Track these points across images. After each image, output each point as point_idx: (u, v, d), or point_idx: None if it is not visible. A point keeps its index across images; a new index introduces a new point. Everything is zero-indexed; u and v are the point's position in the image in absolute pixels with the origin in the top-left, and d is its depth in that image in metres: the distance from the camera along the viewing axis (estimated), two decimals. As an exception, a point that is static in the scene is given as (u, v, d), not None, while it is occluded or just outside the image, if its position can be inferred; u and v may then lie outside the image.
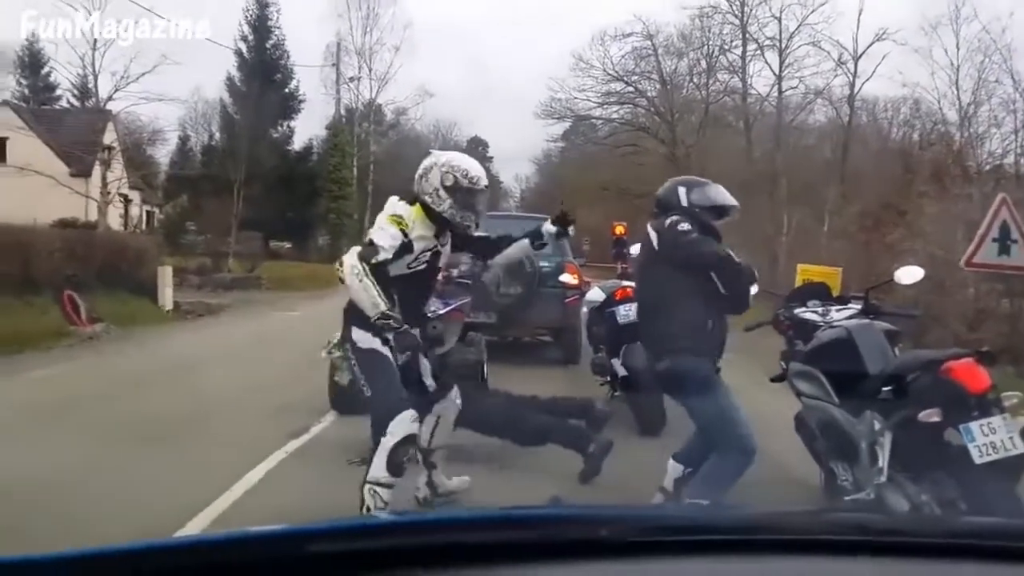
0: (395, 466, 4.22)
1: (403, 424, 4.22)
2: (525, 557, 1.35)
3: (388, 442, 4.22)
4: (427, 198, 4.48)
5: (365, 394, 4.38)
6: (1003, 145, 15.43)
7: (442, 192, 4.47)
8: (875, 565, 1.39)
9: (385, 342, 4.31)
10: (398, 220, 4.39)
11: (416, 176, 4.61)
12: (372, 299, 4.22)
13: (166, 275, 17.12)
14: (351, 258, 4.30)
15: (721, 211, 4.60)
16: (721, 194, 4.63)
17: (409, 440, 4.27)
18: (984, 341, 9.18)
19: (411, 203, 4.48)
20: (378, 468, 4.24)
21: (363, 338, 4.35)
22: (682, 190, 4.58)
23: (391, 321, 4.24)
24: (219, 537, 1.81)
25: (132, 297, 15.64)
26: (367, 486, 4.24)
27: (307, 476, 5.59)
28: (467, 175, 4.52)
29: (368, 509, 4.19)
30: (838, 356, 4.46)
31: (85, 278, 14.48)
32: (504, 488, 5.21)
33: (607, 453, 5.56)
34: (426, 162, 4.61)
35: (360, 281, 4.23)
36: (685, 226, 4.34)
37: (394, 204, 4.48)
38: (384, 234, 4.35)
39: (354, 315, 4.36)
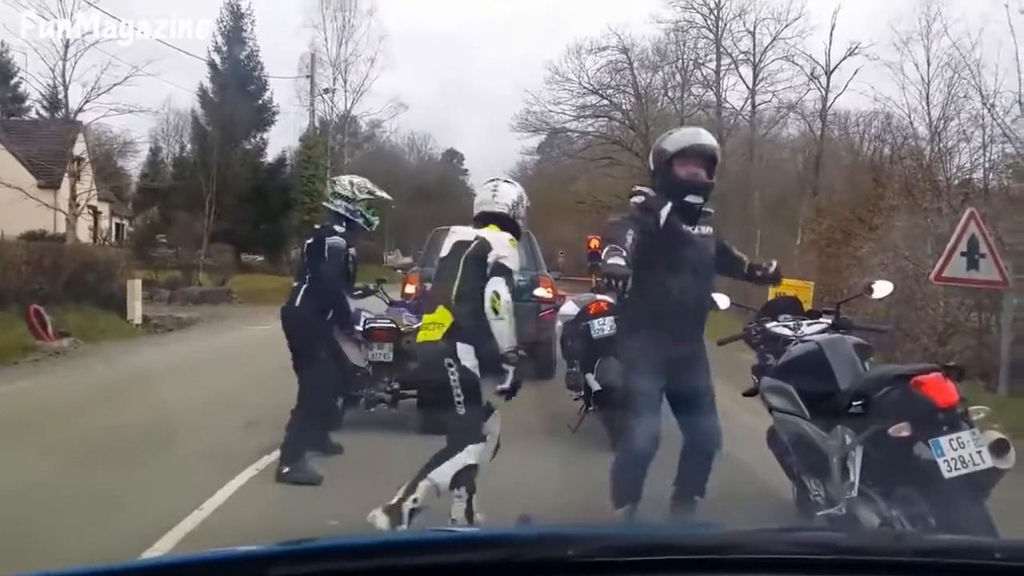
0: (457, 481, 4.49)
1: (479, 453, 4.54)
2: (492, 577, 1.33)
3: (462, 459, 4.50)
4: (521, 222, 4.91)
5: (457, 410, 4.55)
6: (972, 159, 15.66)
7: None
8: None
9: (481, 369, 4.56)
10: (514, 243, 4.74)
11: (511, 202, 4.89)
12: (512, 334, 4.56)
13: (135, 288, 16.93)
14: (507, 294, 4.54)
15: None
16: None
17: (475, 468, 4.55)
18: (953, 355, 9.31)
19: (484, 225, 4.80)
20: (443, 475, 4.48)
21: (470, 360, 4.54)
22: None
23: (516, 356, 4.58)
24: (183, 560, 1.78)
25: (100, 311, 15.45)
26: (426, 481, 4.43)
27: (277, 493, 5.53)
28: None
29: (416, 500, 4.37)
30: (809, 370, 4.48)
31: (52, 291, 14.30)
32: (476, 505, 5.17)
33: (298, 480, 5.62)
34: (515, 189, 5.01)
35: (508, 316, 4.53)
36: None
37: (496, 231, 4.73)
38: (514, 259, 4.67)
39: (463, 336, 4.55)
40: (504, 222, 4.80)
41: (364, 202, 6.30)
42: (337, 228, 6.16)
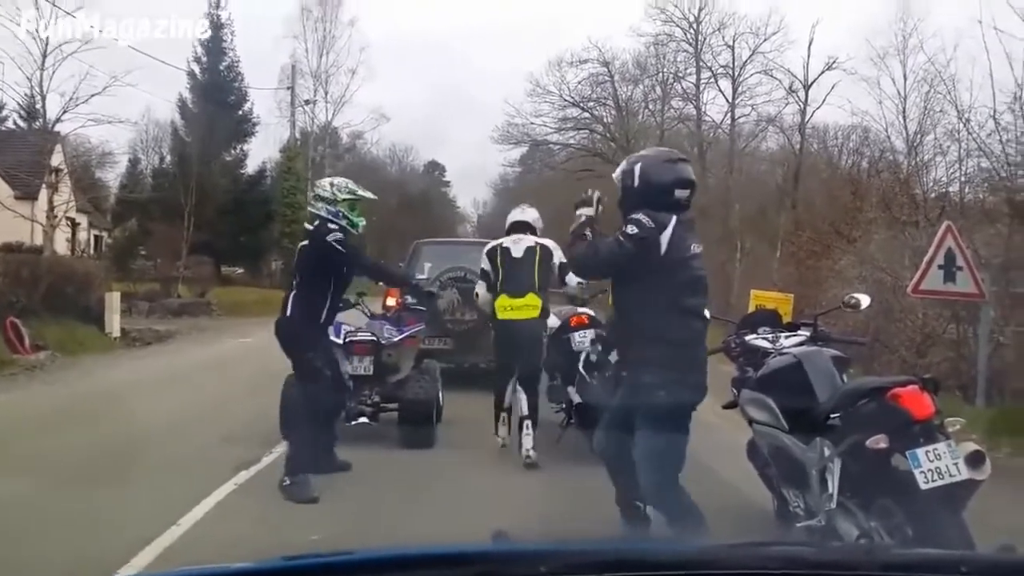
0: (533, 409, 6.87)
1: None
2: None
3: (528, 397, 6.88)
4: (539, 232, 7.32)
5: (542, 366, 7.15)
6: (948, 173, 15.80)
7: None
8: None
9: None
10: None
11: (534, 218, 7.33)
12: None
13: (114, 301, 16.77)
14: (574, 279, 7.12)
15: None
16: None
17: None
18: (931, 367, 9.38)
19: (516, 232, 7.24)
20: (524, 408, 6.84)
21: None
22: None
23: None
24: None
25: (78, 324, 15.27)
26: (526, 423, 6.77)
27: (256, 509, 5.47)
28: None
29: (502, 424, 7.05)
30: (788, 383, 4.51)
31: (30, 304, 14.12)
32: (455, 518, 5.16)
33: (299, 498, 5.55)
34: (535, 211, 7.44)
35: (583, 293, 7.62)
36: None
37: (544, 239, 7.23)
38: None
39: (546, 314, 7.02)
40: (530, 230, 7.15)
41: (346, 203, 6.06)
42: (331, 225, 5.94)
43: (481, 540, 1.68)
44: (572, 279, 7.12)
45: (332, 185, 6.19)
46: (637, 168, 4.33)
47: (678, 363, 4.15)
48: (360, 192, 6.22)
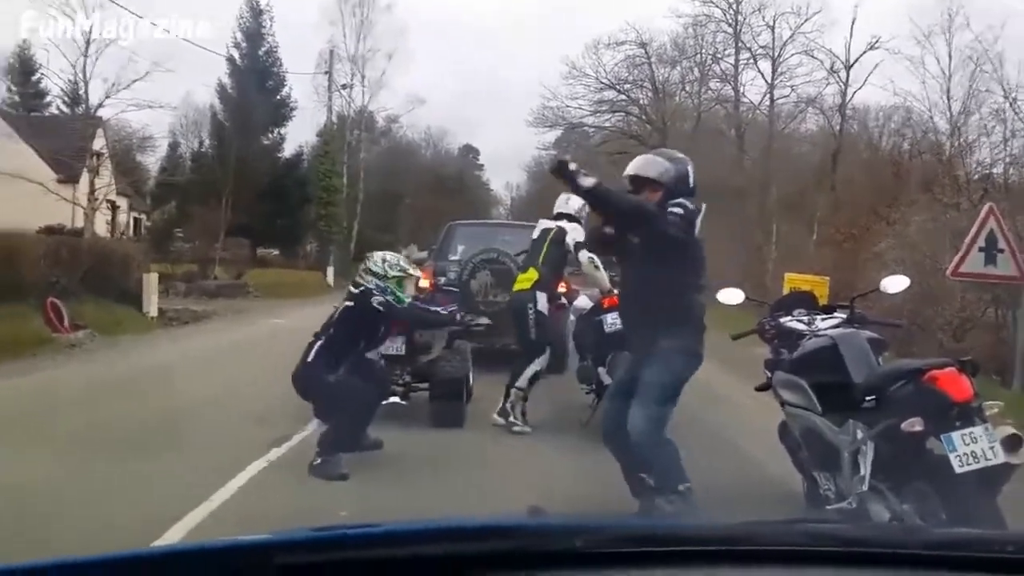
0: (531, 382, 7.27)
1: (541, 363, 7.33)
2: (501, 567, 1.34)
3: (533, 368, 7.27)
4: (583, 221, 7.50)
5: (531, 335, 7.31)
6: (992, 154, 15.45)
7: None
8: (849, 575, 1.38)
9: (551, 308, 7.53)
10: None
11: (577, 208, 7.51)
12: (605, 279, 7.19)
13: (152, 282, 17.01)
14: (586, 254, 7.18)
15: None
16: None
17: (539, 373, 7.35)
18: (969, 350, 9.22)
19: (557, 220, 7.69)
20: (523, 380, 7.22)
21: (543, 303, 7.34)
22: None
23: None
24: (186, 548, 1.78)
25: (117, 304, 15.52)
26: (514, 390, 7.18)
27: (288, 485, 5.53)
28: None
29: (511, 406, 7.15)
30: (822, 365, 4.45)
31: (70, 285, 14.38)
32: (486, 497, 5.18)
33: (330, 475, 5.57)
34: (579, 201, 6.91)
35: (597, 268, 7.26)
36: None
37: (571, 223, 7.58)
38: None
39: (541, 287, 7.35)
40: (573, 219, 7.58)
41: (395, 280, 6.20)
42: (376, 292, 6.09)
43: (515, 516, 1.68)
44: (584, 256, 7.32)
45: (384, 261, 6.26)
46: (690, 170, 4.65)
47: (699, 336, 4.56)
48: (411, 271, 6.48)
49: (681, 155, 4.83)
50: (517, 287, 7.50)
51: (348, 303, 6.22)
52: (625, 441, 4.45)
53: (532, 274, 7.44)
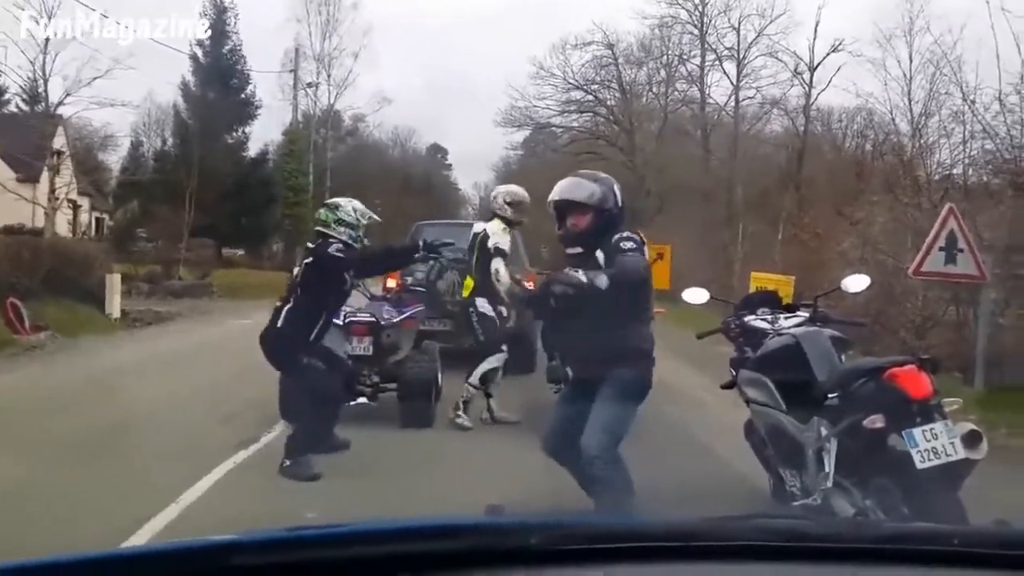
0: (484, 379, 7.44)
1: (496, 360, 7.46)
2: (457, 566, 1.34)
3: (485, 365, 7.39)
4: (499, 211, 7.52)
5: (478, 337, 7.46)
6: (952, 155, 15.71)
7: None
8: (805, 569, 1.40)
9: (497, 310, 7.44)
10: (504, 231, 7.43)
11: (499, 206, 7.55)
12: (510, 284, 6.90)
13: (114, 282, 16.78)
14: (505, 272, 7.11)
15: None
16: None
17: (495, 370, 7.50)
18: (931, 348, 9.38)
19: (489, 220, 7.55)
20: (475, 376, 7.39)
21: (486, 307, 7.41)
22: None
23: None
24: (146, 550, 1.76)
25: (79, 305, 15.29)
26: (466, 385, 7.37)
27: (255, 487, 5.50)
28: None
29: (465, 402, 7.35)
30: (786, 363, 4.50)
31: (31, 286, 14.14)
32: (455, 496, 5.17)
33: (300, 476, 5.55)
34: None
35: (509, 278, 6.98)
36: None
37: (493, 223, 7.46)
38: (505, 241, 7.34)
39: (482, 295, 7.39)
40: (503, 217, 7.52)
41: (364, 228, 6.09)
42: (332, 240, 5.89)
43: (474, 515, 1.68)
44: (495, 264, 7.20)
45: (355, 211, 6.07)
46: (617, 189, 4.47)
47: (651, 367, 4.40)
48: (374, 217, 6.35)
49: (604, 175, 4.66)
50: (464, 292, 7.63)
51: (308, 260, 6.02)
52: (574, 460, 4.33)
53: (469, 282, 7.55)
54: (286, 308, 5.93)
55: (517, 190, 7.92)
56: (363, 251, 6.14)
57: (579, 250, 4.33)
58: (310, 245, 6.14)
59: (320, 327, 5.95)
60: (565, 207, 4.42)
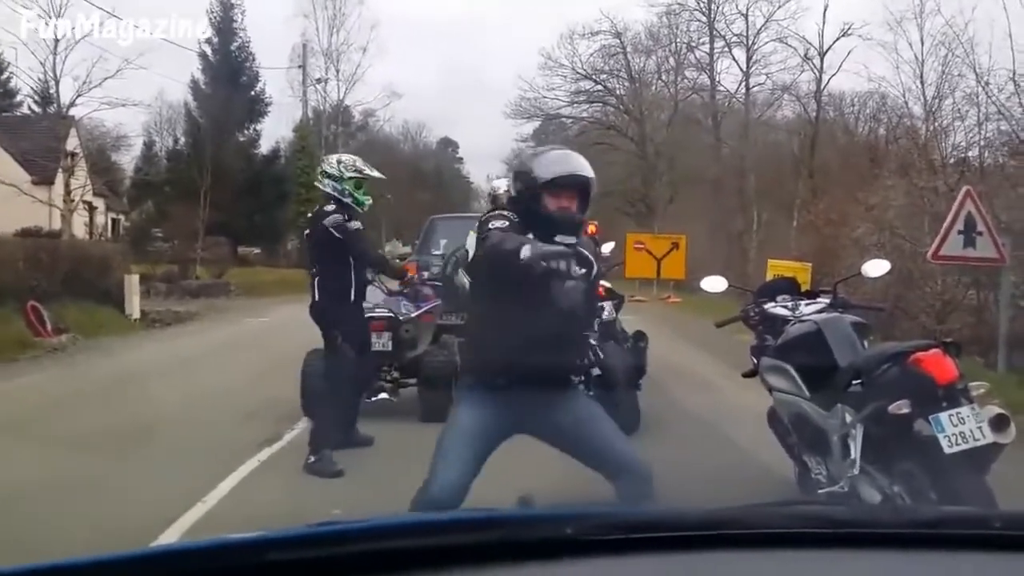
0: None
1: None
2: (492, 558, 1.33)
3: None
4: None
5: None
6: (967, 138, 15.59)
7: None
8: (840, 556, 1.39)
9: None
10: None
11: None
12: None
13: (132, 283, 16.88)
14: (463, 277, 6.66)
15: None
16: None
17: None
18: (952, 332, 9.32)
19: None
20: None
21: None
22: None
23: None
24: (179, 548, 1.77)
25: (98, 306, 15.38)
26: None
27: (280, 484, 5.53)
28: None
29: None
30: (808, 350, 4.48)
31: (50, 288, 14.23)
32: (477, 488, 5.18)
33: (324, 473, 5.57)
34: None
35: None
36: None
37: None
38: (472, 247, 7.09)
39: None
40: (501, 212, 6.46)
41: (352, 181, 5.99)
42: (327, 208, 5.95)
43: (504, 506, 1.68)
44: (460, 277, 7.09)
45: (339, 162, 6.12)
46: None
47: None
48: (367, 171, 6.14)
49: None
50: None
51: (306, 231, 6.20)
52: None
53: None
54: (315, 282, 6.04)
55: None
56: (355, 245, 6.04)
57: (573, 240, 3.44)
58: (309, 214, 6.29)
59: (355, 289, 6.00)
60: (582, 186, 3.49)
